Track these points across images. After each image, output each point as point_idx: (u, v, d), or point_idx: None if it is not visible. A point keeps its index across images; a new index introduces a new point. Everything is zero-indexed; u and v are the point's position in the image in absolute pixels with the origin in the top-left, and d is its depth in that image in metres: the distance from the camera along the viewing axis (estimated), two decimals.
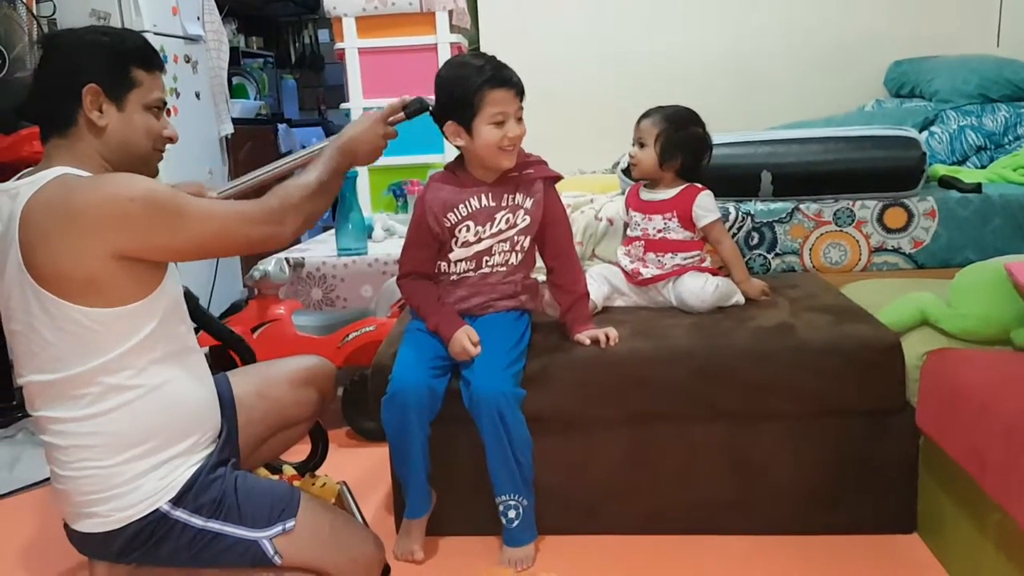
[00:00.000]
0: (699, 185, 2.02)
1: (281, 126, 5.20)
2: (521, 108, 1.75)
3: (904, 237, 2.36)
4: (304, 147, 5.38)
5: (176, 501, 1.33)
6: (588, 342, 1.83)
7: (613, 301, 2.09)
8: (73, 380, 1.28)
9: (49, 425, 1.32)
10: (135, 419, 1.31)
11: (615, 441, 1.84)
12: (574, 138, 3.38)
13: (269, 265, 2.45)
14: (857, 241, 2.37)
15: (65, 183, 1.26)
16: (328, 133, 5.68)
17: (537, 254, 1.92)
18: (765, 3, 3.60)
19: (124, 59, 1.35)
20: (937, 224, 2.34)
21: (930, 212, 2.34)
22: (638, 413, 1.82)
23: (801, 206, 2.37)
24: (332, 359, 1.91)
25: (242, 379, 1.63)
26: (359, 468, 2.23)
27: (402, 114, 1.65)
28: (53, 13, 3.07)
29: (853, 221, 2.36)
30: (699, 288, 1.97)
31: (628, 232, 2.10)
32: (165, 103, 1.42)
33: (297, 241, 2.32)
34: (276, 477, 1.75)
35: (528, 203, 1.82)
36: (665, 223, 2.02)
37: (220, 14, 3.94)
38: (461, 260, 1.83)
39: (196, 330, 1.54)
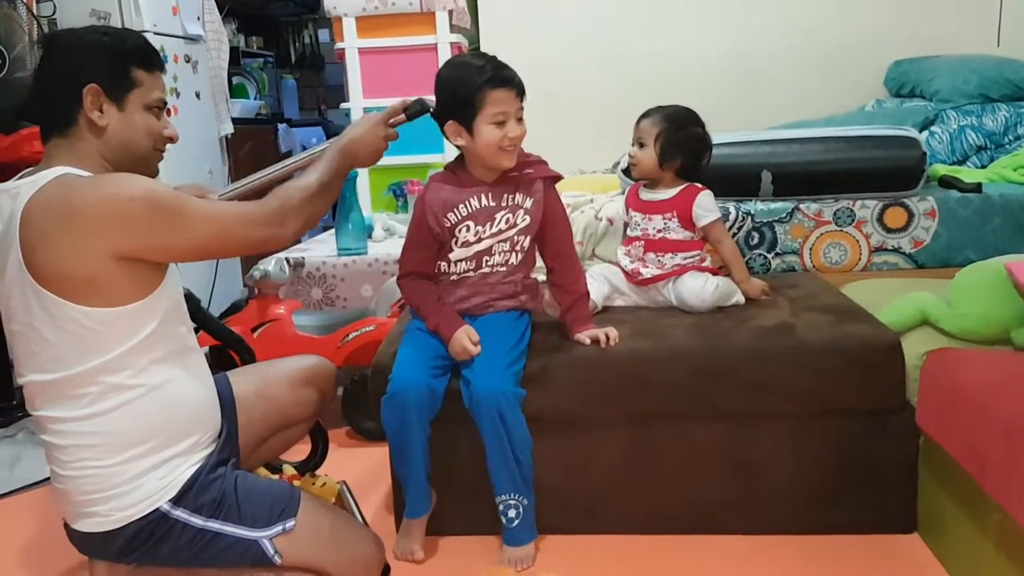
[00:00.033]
0: (699, 185, 2.02)
1: (281, 126, 5.19)
2: (522, 108, 1.75)
3: (904, 237, 2.36)
4: (304, 147, 5.38)
5: (176, 501, 1.33)
6: (588, 342, 1.83)
7: (613, 301, 2.09)
8: (73, 380, 1.28)
9: (49, 425, 1.32)
10: (135, 419, 1.31)
11: (615, 441, 1.84)
12: (574, 138, 3.38)
13: (269, 265, 2.45)
14: (857, 241, 2.37)
15: (66, 183, 1.26)
16: (328, 133, 5.68)
17: (537, 254, 1.92)
18: (765, 3, 3.60)
19: (124, 59, 1.35)
20: (937, 224, 2.34)
21: (930, 212, 2.34)
22: (638, 413, 1.82)
23: (801, 206, 2.37)
24: (332, 359, 1.91)
25: (242, 379, 1.64)
26: (359, 468, 2.23)
27: (403, 116, 1.65)
28: (53, 13, 3.07)
29: (853, 221, 2.36)
30: (699, 288, 1.97)
31: (628, 232, 2.10)
32: (165, 103, 1.42)
33: (297, 241, 2.32)
34: (276, 477, 1.75)
35: (528, 203, 1.82)
36: (665, 223, 2.02)
37: (220, 14, 3.93)
38: (461, 260, 1.83)
39: (196, 330, 1.54)
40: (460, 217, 1.79)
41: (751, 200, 2.40)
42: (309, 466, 2.01)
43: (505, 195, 1.80)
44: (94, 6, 3.14)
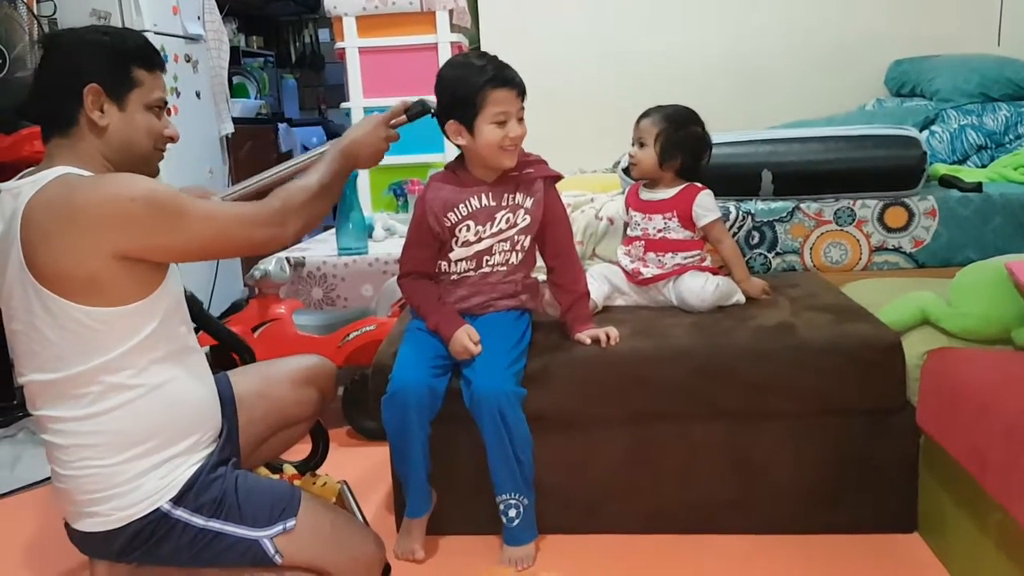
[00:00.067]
0: (699, 184, 2.02)
1: (281, 125, 5.19)
2: (523, 108, 1.75)
3: (905, 236, 2.36)
4: (304, 147, 5.37)
5: (177, 500, 1.33)
6: (588, 341, 1.83)
7: (613, 300, 2.09)
8: (74, 379, 1.28)
9: (50, 424, 1.32)
10: (136, 418, 1.31)
11: (615, 440, 1.84)
12: (574, 138, 3.38)
13: (270, 264, 2.45)
14: (858, 240, 2.37)
15: (67, 183, 1.26)
16: (328, 132, 5.68)
17: (537, 253, 1.92)
18: (765, 3, 3.60)
19: (125, 59, 1.35)
20: (938, 223, 2.34)
21: (931, 211, 2.34)
22: (639, 412, 1.82)
23: (802, 205, 2.37)
24: (333, 358, 1.91)
25: (243, 378, 1.64)
26: (360, 467, 2.23)
27: (404, 117, 1.65)
28: (54, 13, 3.07)
29: (854, 220, 2.36)
30: (699, 287, 1.97)
31: (628, 232, 2.10)
32: (166, 102, 1.42)
33: (298, 240, 2.32)
34: (277, 476, 1.76)
35: (528, 202, 1.82)
36: (665, 223, 2.02)
37: (220, 13, 3.93)
38: (461, 260, 1.83)
39: (196, 330, 1.54)
40: (460, 216, 1.79)
41: (751, 199, 2.40)
42: (310, 466, 2.01)
43: (505, 195, 1.80)
44: (94, 6, 3.14)
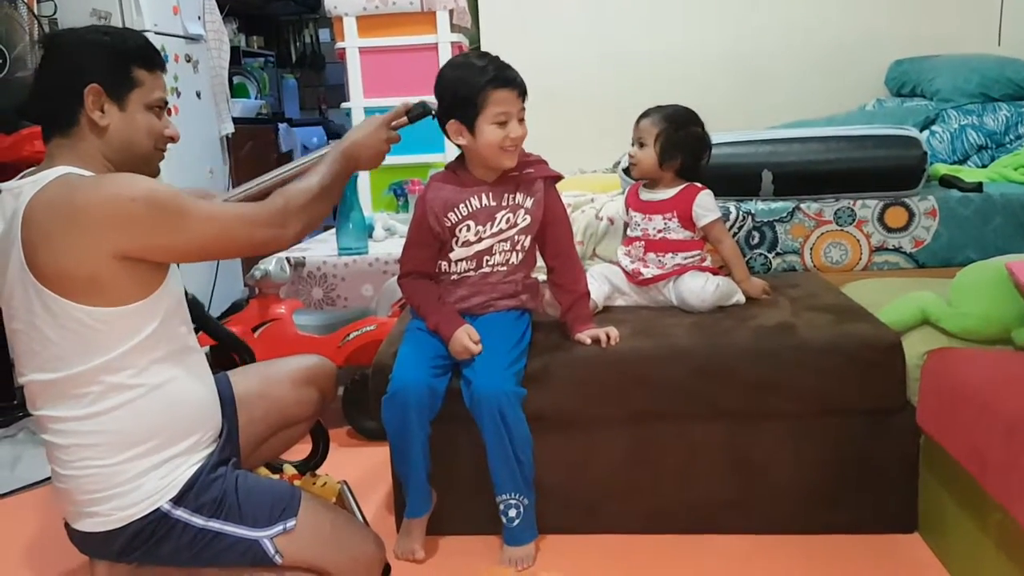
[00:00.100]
0: (699, 184, 2.02)
1: (282, 125, 5.19)
2: (523, 108, 1.75)
3: (905, 236, 2.36)
4: (305, 147, 5.35)
5: (177, 500, 1.33)
6: (589, 341, 1.83)
7: (614, 300, 2.09)
8: (74, 379, 1.28)
9: (50, 424, 1.32)
10: (136, 418, 1.31)
11: (616, 440, 1.84)
12: (574, 138, 3.38)
13: (270, 264, 2.45)
14: (858, 240, 2.37)
15: (67, 183, 1.26)
16: (328, 133, 5.68)
17: (538, 253, 1.92)
18: (765, 3, 3.60)
19: (125, 59, 1.35)
20: (938, 223, 2.34)
21: (931, 211, 2.34)
22: (639, 412, 1.82)
23: (802, 205, 2.37)
24: (333, 358, 1.91)
25: (243, 378, 1.64)
26: (360, 467, 2.23)
27: (405, 118, 1.65)
28: (54, 13, 3.07)
29: (854, 220, 2.36)
30: (700, 287, 1.97)
31: (628, 232, 2.10)
32: (166, 102, 1.42)
33: (298, 241, 2.32)
34: (277, 476, 1.76)
35: (529, 202, 1.82)
36: (665, 223, 2.02)
37: (221, 13, 3.93)
38: (462, 259, 1.83)
39: (196, 330, 1.54)
40: (461, 216, 1.79)
41: (752, 200, 2.40)
42: (310, 466, 2.01)
43: (506, 195, 1.80)
44: (95, 6, 3.14)
